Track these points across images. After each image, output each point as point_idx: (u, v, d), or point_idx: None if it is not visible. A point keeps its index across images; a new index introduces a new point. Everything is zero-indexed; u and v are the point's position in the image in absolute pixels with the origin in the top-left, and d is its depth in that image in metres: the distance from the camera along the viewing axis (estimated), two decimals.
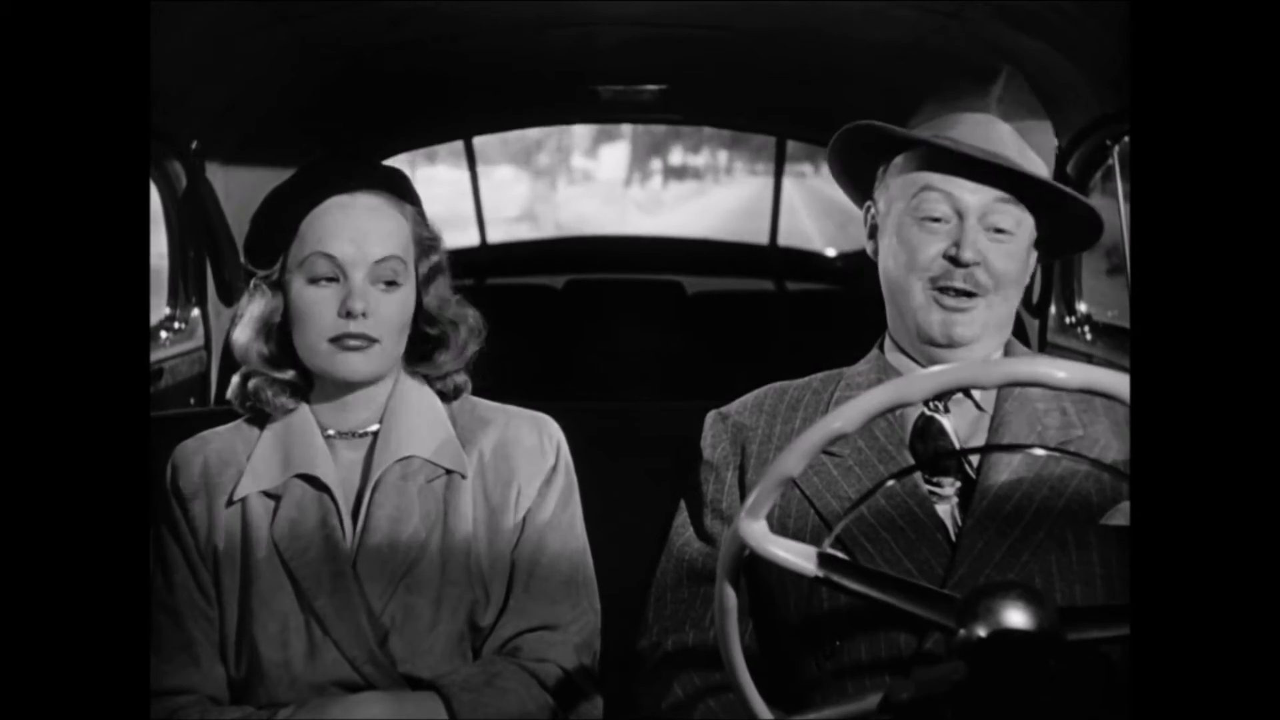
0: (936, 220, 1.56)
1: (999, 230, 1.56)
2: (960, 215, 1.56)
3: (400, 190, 1.62)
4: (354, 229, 1.56)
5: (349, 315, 1.54)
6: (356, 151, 1.70)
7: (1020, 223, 1.58)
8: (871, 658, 1.48)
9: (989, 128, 1.58)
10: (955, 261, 1.55)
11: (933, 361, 1.58)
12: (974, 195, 1.56)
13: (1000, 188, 1.56)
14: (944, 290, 1.56)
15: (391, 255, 1.57)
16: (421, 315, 1.63)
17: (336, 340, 1.55)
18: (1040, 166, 1.60)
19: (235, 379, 1.64)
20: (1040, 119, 1.63)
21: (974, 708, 1.14)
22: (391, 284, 1.57)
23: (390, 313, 1.57)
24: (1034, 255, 1.64)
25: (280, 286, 1.58)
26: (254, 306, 1.60)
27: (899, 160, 1.61)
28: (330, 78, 2.98)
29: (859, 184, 1.69)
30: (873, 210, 1.66)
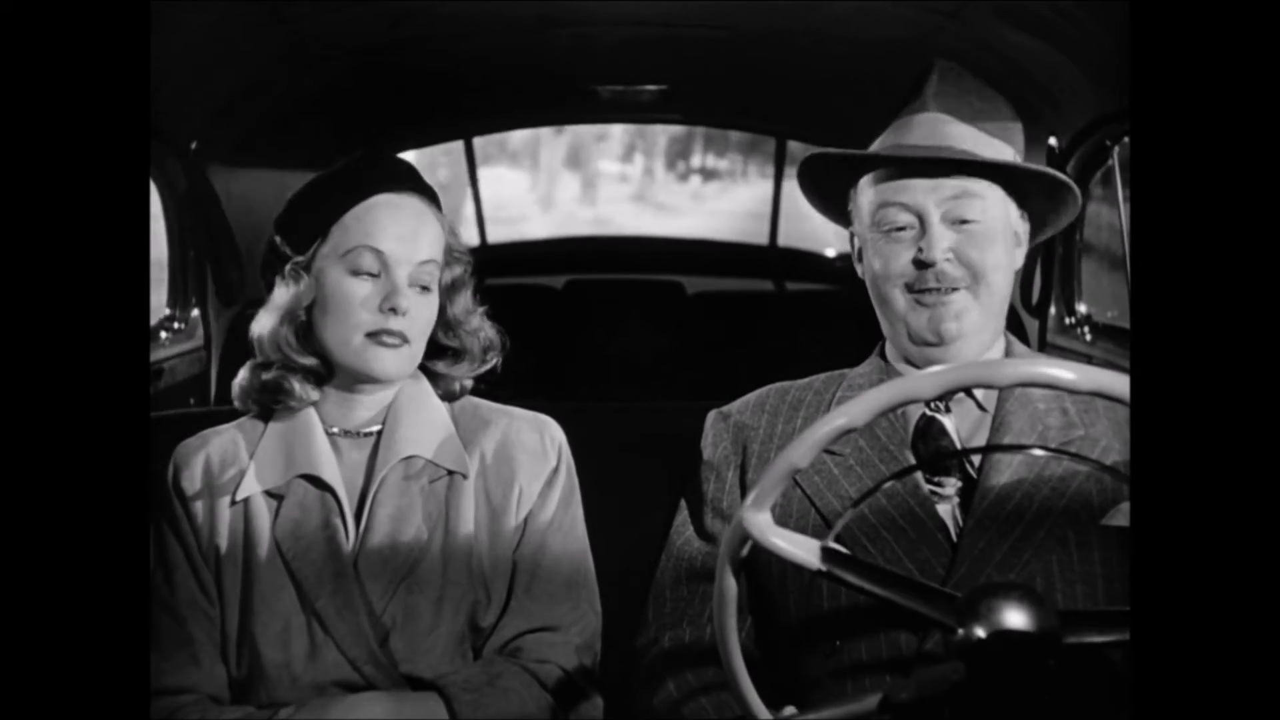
0: (901, 230, 1.58)
1: (964, 221, 1.57)
2: (921, 218, 1.57)
3: (436, 201, 1.64)
4: (403, 228, 1.57)
5: (393, 311, 1.55)
6: (365, 151, 1.70)
7: (986, 209, 1.57)
8: (871, 657, 1.48)
9: (932, 125, 1.60)
10: (924, 264, 1.56)
11: (931, 362, 1.58)
12: (929, 195, 1.56)
13: (953, 179, 1.56)
14: (922, 292, 1.56)
15: (431, 259, 1.59)
16: (441, 324, 1.64)
17: (374, 335, 1.55)
18: (999, 147, 1.60)
19: (244, 374, 1.63)
20: (989, 102, 1.63)
21: (973, 708, 1.14)
22: (425, 288, 1.59)
23: (422, 315, 1.59)
24: (1025, 231, 1.64)
25: (309, 274, 1.58)
26: (279, 294, 1.58)
27: (861, 181, 1.63)
28: (330, 78, 2.98)
29: (837, 210, 1.71)
30: (854, 234, 1.67)
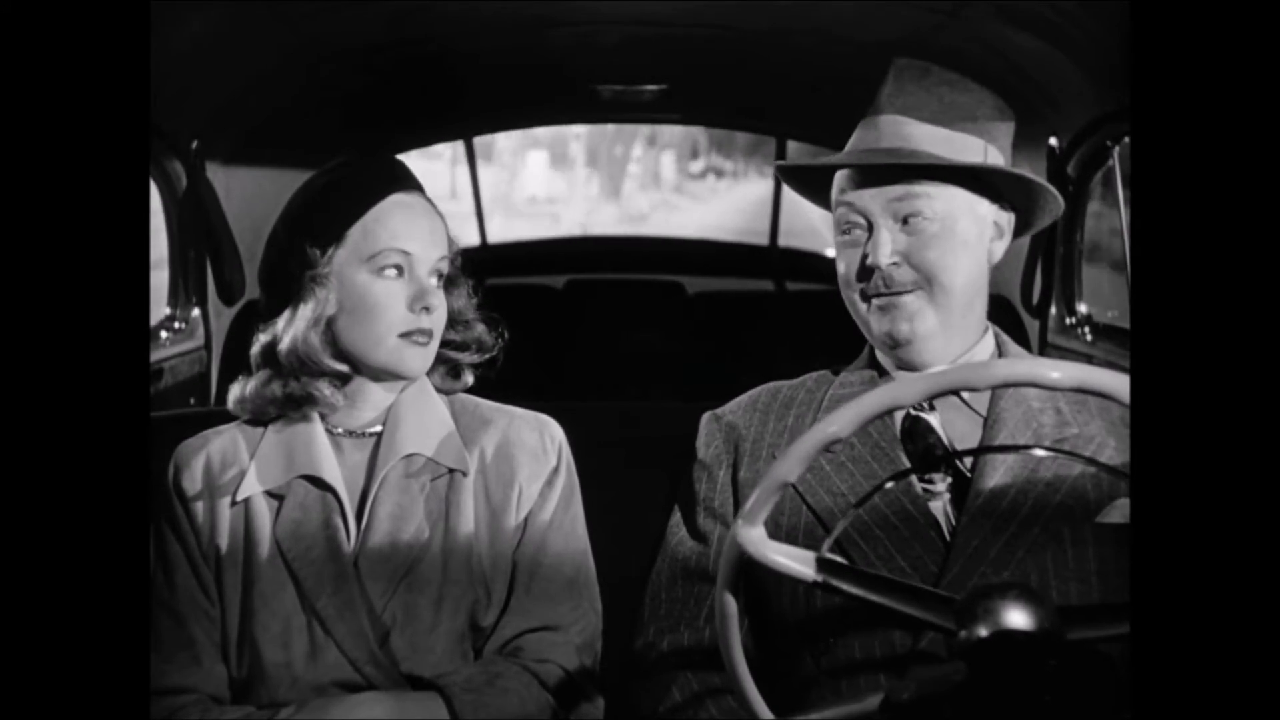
0: (848, 232, 1.58)
1: (911, 220, 1.55)
2: (868, 219, 1.57)
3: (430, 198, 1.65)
4: (421, 227, 1.59)
5: (425, 310, 1.56)
6: (358, 152, 1.69)
7: (937, 208, 1.56)
8: (866, 656, 1.48)
9: (886, 127, 1.59)
10: (872, 268, 1.55)
11: (900, 363, 1.60)
12: (874, 198, 1.56)
13: (896, 181, 1.55)
14: (875, 296, 1.57)
15: (444, 256, 1.61)
16: (448, 318, 1.65)
17: (407, 335, 1.56)
18: (961, 143, 1.58)
19: (255, 386, 1.60)
20: (958, 98, 1.61)
21: (974, 708, 1.14)
22: (440, 284, 1.61)
23: (442, 310, 1.60)
24: (1000, 228, 1.62)
25: (326, 281, 1.57)
26: (305, 306, 1.56)
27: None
28: (330, 78, 2.98)
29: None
30: None
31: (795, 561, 1.22)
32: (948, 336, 1.58)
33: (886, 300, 1.56)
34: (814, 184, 1.69)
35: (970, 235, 1.58)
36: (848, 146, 1.64)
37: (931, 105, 1.59)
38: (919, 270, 1.55)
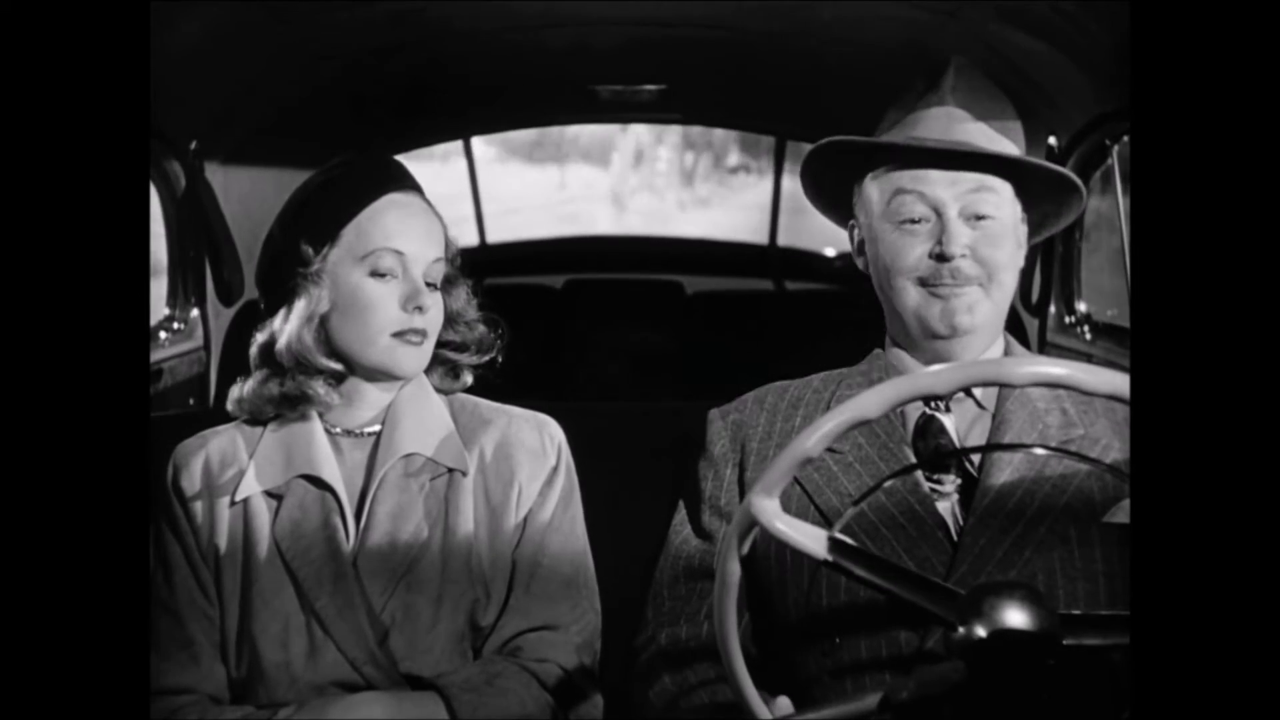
0: (915, 221, 1.57)
1: (979, 217, 1.56)
2: (938, 211, 1.56)
3: (428, 199, 1.65)
4: (417, 227, 1.59)
5: (418, 310, 1.56)
6: (357, 152, 1.70)
7: (1000, 205, 1.57)
8: (871, 656, 1.48)
9: (949, 119, 1.59)
10: (941, 258, 1.55)
11: (938, 356, 1.59)
12: (948, 189, 1.56)
13: (971, 174, 1.56)
14: (936, 285, 1.56)
15: (440, 257, 1.61)
16: (445, 318, 1.65)
17: (400, 334, 1.57)
18: (1007, 145, 1.60)
19: (252, 386, 1.61)
20: (998, 100, 1.63)
21: (973, 707, 1.14)
22: (435, 285, 1.61)
23: (437, 311, 1.61)
24: (1024, 233, 1.64)
25: (320, 279, 1.57)
26: (299, 304, 1.57)
27: (870, 172, 1.62)
28: (329, 78, 2.98)
29: (837, 206, 1.70)
30: (856, 228, 1.66)
31: (807, 538, 1.20)
32: (990, 333, 1.60)
33: (949, 290, 1.56)
34: (836, 192, 1.67)
35: (1016, 237, 1.61)
36: (894, 135, 1.61)
37: (978, 105, 1.60)
38: (983, 265, 1.56)
